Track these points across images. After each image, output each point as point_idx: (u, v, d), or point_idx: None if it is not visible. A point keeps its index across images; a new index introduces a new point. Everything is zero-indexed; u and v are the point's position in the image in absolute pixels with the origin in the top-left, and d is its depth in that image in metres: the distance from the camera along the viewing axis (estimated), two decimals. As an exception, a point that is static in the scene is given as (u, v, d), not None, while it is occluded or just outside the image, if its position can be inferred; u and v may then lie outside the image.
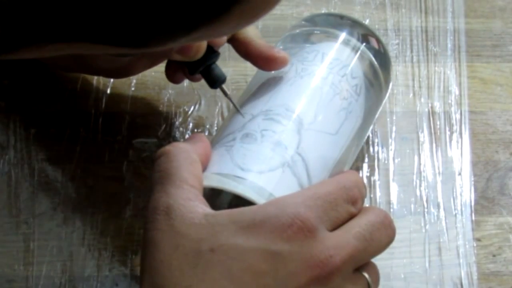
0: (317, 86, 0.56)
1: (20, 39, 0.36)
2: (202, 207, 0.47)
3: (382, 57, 0.60)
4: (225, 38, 0.54)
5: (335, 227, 0.48)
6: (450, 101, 0.67)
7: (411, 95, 0.67)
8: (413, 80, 0.67)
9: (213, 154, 0.52)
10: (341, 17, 0.61)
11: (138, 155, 0.63)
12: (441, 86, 0.67)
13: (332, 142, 0.55)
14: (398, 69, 0.67)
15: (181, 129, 0.64)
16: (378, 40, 0.60)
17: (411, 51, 0.68)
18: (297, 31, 0.61)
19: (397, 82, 0.67)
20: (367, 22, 0.69)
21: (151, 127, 0.64)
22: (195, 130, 0.64)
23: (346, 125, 0.56)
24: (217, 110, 0.65)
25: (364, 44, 0.59)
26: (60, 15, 0.35)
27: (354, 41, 0.59)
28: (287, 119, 0.53)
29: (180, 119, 0.64)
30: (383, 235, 0.48)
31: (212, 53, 0.56)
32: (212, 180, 0.50)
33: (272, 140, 0.52)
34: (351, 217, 0.49)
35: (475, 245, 0.62)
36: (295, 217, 0.46)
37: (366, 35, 0.60)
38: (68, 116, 0.64)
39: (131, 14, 0.36)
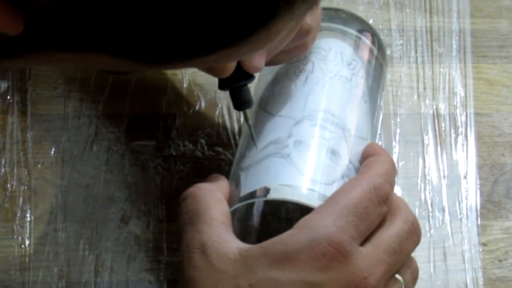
0: (348, 90, 0.55)
1: (27, 43, 0.34)
2: (235, 242, 0.48)
3: (384, 55, 0.60)
4: (262, 64, 0.53)
5: (366, 236, 0.48)
6: (455, 103, 0.66)
7: (415, 96, 0.66)
8: (418, 81, 0.67)
9: (264, 164, 0.52)
10: (336, 10, 0.60)
11: (137, 158, 0.62)
12: (446, 88, 0.66)
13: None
14: (402, 70, 0.67)
15: (180, 131, 0.63)
16: (376, 34, 0.60)
17: (416, 52, 0.67)
18: None
19: (401, 83, 0.66)
20: (370, 22, 0.68)
21: (150, 130, 0.63)
22: (195, 132, 0.63)
23: (370, 127, 0.56)
24: (217, 112, 0.64)
25: (372, 43, 0.58)
26: (80, 21, 0.33)
27: (365, 39, 0.58)
28: (333, 125, 0.53)
29: (180, 121, 0.63)
30: (410, 244, 0.49)
31: (244, 76, 0.54)
32: (286, 193, 0.50)
33: (327, 149, 0.52)
34: (383, 216, 0.49)
35: (480, 250, 0.61)
36: (328, 244, 0.46)
37: (365, 30, 0.59)
38: (66, 118, 0.63)
39: (162, 29, 0.34)
